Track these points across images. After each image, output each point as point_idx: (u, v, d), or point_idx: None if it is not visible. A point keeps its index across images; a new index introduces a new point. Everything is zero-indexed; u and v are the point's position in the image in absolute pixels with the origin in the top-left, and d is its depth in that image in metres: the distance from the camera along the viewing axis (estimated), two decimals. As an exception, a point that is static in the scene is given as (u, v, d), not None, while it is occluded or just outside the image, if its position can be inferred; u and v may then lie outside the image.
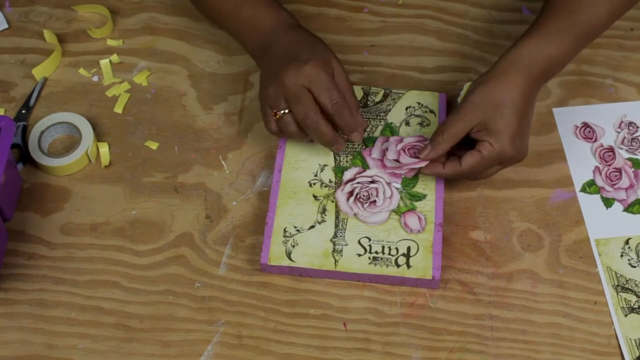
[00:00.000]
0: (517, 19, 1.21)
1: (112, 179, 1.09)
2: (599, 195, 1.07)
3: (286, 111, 1.00)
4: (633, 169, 1.08)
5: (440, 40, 1.20)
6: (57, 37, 1.19)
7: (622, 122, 1.12)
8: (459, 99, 1.04)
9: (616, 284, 1.01)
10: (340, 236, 1.02)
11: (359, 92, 1.12)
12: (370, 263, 1.00)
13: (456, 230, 1.04)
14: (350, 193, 1.04)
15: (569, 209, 1.06)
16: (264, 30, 1.05)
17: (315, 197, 1.04)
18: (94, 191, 1.08)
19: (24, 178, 1.08)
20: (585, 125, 1.12)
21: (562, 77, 1.16)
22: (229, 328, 0.99)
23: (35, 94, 1.15)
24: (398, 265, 1.00)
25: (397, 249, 1.01)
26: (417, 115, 1.10)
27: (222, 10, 1.08)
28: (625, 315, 0.99)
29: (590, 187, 1.07)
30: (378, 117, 1.10)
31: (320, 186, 1.05)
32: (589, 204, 1.06)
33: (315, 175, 1.06)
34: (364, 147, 1.07)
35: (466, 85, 1.04)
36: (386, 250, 1.01)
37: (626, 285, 1.01)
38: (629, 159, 1.09)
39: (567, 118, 1.13)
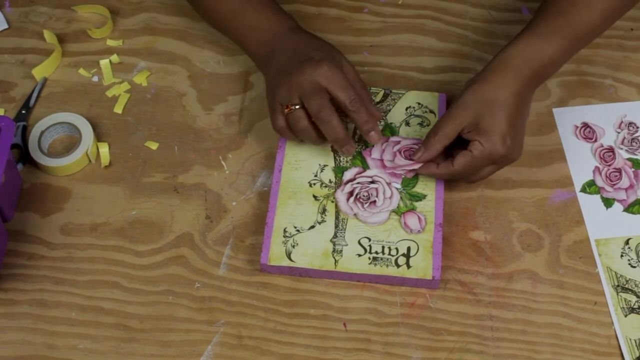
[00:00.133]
0: (517, 19, 1.21)
1: (112, 179, 1.09)
2: (599, 196, 1.07)
3: (297, 107, 1.00)
4: (633, 169, 1.08)
5: (440, 41, 1.20)
6: (57, 37, 1.19)
7: (622, 122, 1.12)
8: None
9: (616, 284, 1.01)
10: (340, 236, 1.02)
11: (359, 92, 1.12)
12: (370, 263, 1.00)
13: (456, 231, 1.04)
14: (350, 193, 1.04)
15: (569, 209, 1.06)
16: (266, 33, 1.05)
17: (315, 197, 1.04)
18: (94, 191, 1.08)
19: (24, 178, 1.08)
20: (585, 125, 1.12)
21: (562, 77, 1.16)
22: (229, 328, 0.99)
23: (35, 94, 1.15)
24: (398, 266, 1.00)
25: (397, 249, 1.01)
26: (417, 116, 1.10)
27: (222, 12, 1.08)
28: (625, 316, 0.99)
29: (590, 187, 1.07)
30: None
31: (320, 186, 1.05)
32: (589, 204, 1.06)
33: (315, 176, 1.06)
34: (363, 148, 1.07)
35: (466, 86, 1.05)
36: (386, 251, 1.01)
37: (626, 286, 1.01)
38: (629, 159, 1.09)
39: (567, 118, 1.13)
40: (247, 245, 1.04)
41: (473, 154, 0.98)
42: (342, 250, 1.01)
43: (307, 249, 1.01)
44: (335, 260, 1.00)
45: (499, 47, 1.02)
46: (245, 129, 1.12)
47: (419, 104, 1.11)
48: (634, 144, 1.10)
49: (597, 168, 1.09)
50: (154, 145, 1.11)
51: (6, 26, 1.22)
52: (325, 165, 1.07)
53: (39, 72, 1.16)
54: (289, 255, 1.00)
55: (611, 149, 1.10)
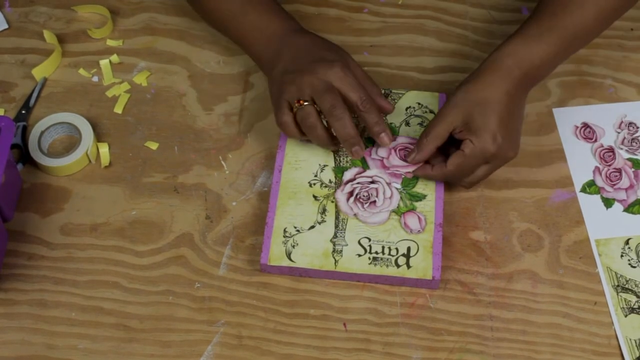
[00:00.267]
0: (517, 19, 1.21)
1: (112, 179, 1.09)
2: (599, 196, 1.07)
3: (307, 103, 1.00)
4: (633, 169, 1.08)
5: (440, 41, 1.20)
6: (57, 38, 1.19)
7: (622, 122, 1.12)
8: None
9: (616, 284, 1.01)
10: (340, 236, 1.02)
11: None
12: (370, 263, 1.00)
13: (456, 231, 1.04)
14: (350, 193, 1.04)
15: (569, 209, 1.06)
16: (270, 33, 1.05)
17: (315, 197, 1.04)
18: (94, 191, 1.08)
19: (24, 178, 1.08)
20: (585, 125, 1.12)
21: (562, 77, 1.16)
22: (229, 328, 0.99)
23: (35, 94, 1.15)
24: (398, 266, 1.00)
25: (397, 249, 1.01)
26: (417, 116, 1.10)
27: (223, 12, 1.08)
28: (626, 316, 0.99)
29: (590, 187, 1.07)
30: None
31: (320, 186, 1.05)
32: (589, 204, 1.06)
33: (315, 176, 1.06)
34: (365, 146, 1.07)
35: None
36: (386, 251, 1.01)
37: (626, 286, 1.01)
38: (629, 159, 1.09)
39: (567, 118, 1.13)
40: (247, 245, 1.04)
41: (465, 153, 0.98)
42: (342, 250, 1.01)
43: (307, 249, 1.01)
44: (335, 260, 1.00)
45: (498, 48, 1.03)
46: (245, 129, 1.12)
47: (419, 104, 1.11)
48: (634, 144, 1.10)
49: (597, 168, 1.09)
50: (154, 146, 1.11)
51: (6, 26, 1.22)
52: (325, 166, 1.07)
53: (39, 72, 1.16)
54: (289, 256, 1.00)
55: (611, 149, 1.10)
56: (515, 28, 1.04)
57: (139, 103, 1.15)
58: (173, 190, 1.08)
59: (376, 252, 1.01)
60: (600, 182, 1.08)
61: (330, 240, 1.02)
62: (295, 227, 1.02)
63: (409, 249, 1.01)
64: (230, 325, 0.99)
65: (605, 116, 1.13)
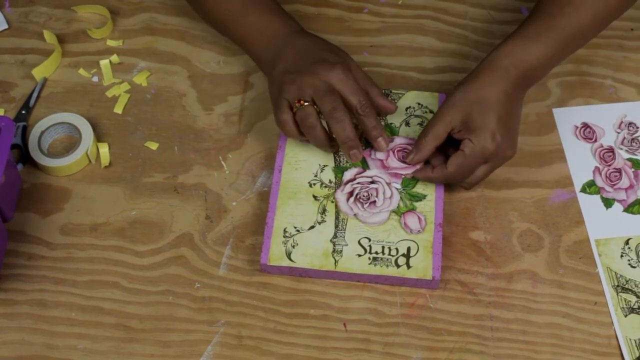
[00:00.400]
0: (517, 19, 1.21)
1: (112, 179, 1.09)
2: (599, 196, 1.07)
3: (307, 103, 1.00)
4: (633, 170, 1.08)
5: (440, 41, 1.20)
6: (57, 38, 1.19)
7: (622, 122, 1.12)
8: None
9: (616, 284, 1.01)
10: (340, 236, 1.02)
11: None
12: (370, 263, 1.00)
13: (456, 231, 1.04)
14: (350, 193, 1.04)
15: (569, 210, 1.06)
16: (271, 34, 1.05)
17: (315, 197, 1.04)
18: (94, 191, 1.08)
19: (24, 178, 1.08)
20: (585, 125, 1.12)
21: (562, 78, 1.16)
22: (229, 328, 0.99)
23: (35, 95, 1.15)
24: (398, 266, 1.00)
25: (397, 249, 1.01)
26: (417, 116, 1.10)
27: (223, 13, 1.09)
28: (625, 316, 0.99)
29: (590, 187, 1.07)
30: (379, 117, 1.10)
31: (320, 186, 1.05)
32: (589, 204, 1.06)
33: (315, 176, 1.06)
34: (364, 148, 1.07)
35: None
36: (386, 251, 1.01)
37: (626, 286, 1.01)
38: (629, 160, 1.09)
39: (567, 118, 1.13)
40: (247, 245, 1.04)
41: (465, 153, 0.99)
42: (342, 251, 1.01)
43: (307, 249, 1.01)
44: (335, 260, 1.00)
45: (498, 48, 1.03)
46: (245, 129, 1.12)
47: (418, 104, 1.11)
48: (634, 144, 1.10)
49: (597, 168, 1.09)
50: (154, 146, 1.11)
51: (6, 26, 1.22)
52: (325, 166, 1.07)
53: (39, 72, 1.16)
54: (289, 256, 1.00)
55: (611, 149, 1.10)
56: (515, 28, 1.04)
57: (139, 103, 1.15)
58: (173, 190, 1.08)
59: (376, 252, 1.01)
60: (600, 182, 1.08)
61: (330, 240, 1.02)
62: (295, 227, 1.02)
63: (409, 249, 1.01)
64: (230, 325, 0.99)
65: (605, 116, 1.13)
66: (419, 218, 1.03)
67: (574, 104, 1.14)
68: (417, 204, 1.04)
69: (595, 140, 1.11)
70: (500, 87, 0.99)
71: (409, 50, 1.19)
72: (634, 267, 1.02)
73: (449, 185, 1.06)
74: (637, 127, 1.12)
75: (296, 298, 1.00)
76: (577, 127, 1.12)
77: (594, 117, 1.13)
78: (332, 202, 1.04)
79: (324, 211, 1.04)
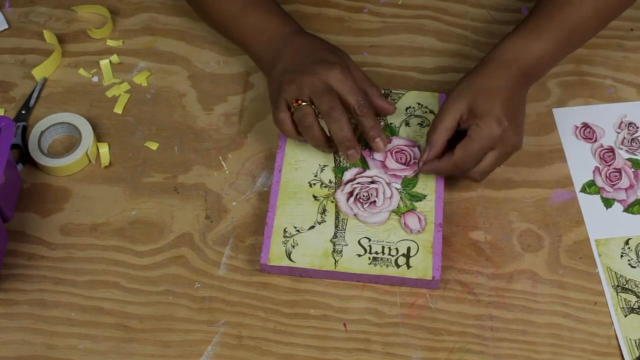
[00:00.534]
0: (517, 19, 1.21)
1: (112, 179, 1.09)
2: (599, 196, 1.07)
3: (305, 103, 1.00)
4: (633, 170, 1.08)
5: (440, 41, 1.20)
6: (57, 38, 1.19)
7: (622, 122, 1.12)
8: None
9: (616, 284, 1.01)
10: (340, 236, 1.02)
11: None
12: (370, 263, 1.00)
13: (456, 231, 1.04)
14: (350, 193, 1.04)
15: (569, 210, 1.06)
16: (272, 34, 1.05)
17: (315, 197, 1.04)
18: (94, 191, 1.08)
19: (24, 178, 1.08)
20: (585, 125, 1.12)
21: (562, 78, 1.16)
22: (229, 328, 0.99)
23: (35, 95, 1.15)
24: (398, 266, 1.00)
25: (397, 249, 1.01)
26: (417, 116, 1.10)
27: (223, 13, 1.09)
28: (625, 316, 0.99)
29: (590, 187, 1.07)
30: (378, 118, 1.10)
31: (320, 186, 1.05)
32: (589, 204, 1.06)
33: (315, 176, 1.06)
34: (363, 148, 1.07)
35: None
36: (386, 251, 1.01)
37: (626, 286, 1.01)
38: (629, 160, 1.09)
39: (567, 118, 1.13)
40: (247, 245, 1.04)
41: (471, 137, 0.99)
42: (342, 251, 1.01)
43: (307, 249, 1.01)
44: (335, 260, 1.00)
45: (499, 48, 1.03)
46: (245, 129, 1.12)
47: (418, 104, 1.11)
48: (634, 144, 1.10)
49: (597, 168, 1.09)
50: (154, 146, 1.11)
51: (6, 26, 1.22)
52: (325, 166, 1.07)
53: (39, 72, 1.16)
54: (289, 256, 1.00)
55: (611, 149, 1.10)
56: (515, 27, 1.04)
57: (139, 103, 1.15)
58: (173, 190, 1.08)
59: (376, 252, 1.01)
60: (600, 182, 1.08)
61: (330, 240, 1.02)
62: (295, 227, 1.02)
63: (409, 249, 1.01)
64: (230, 325, 0.99)
65: (605, 116, 1.13)
66: (419, 218, 1.03)
67: (574, 104, 1.14)
68: (417, 204, 1.04)
69: (595, 140, 1.11)
70: (504, 78, 1.00)
71: (409, 50, 1.19)
72: (634, 267, 1.02)
73: (450, 184, 1.06)
74: (637, 127, 1.12)
75: (296, 298, 1.00)
76: (577, 127, 1.12)
77: (594, 117, 1.13)
78: (332, 202, 1.04)
79: (324, 211, 1.04)
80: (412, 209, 1.03)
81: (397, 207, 1.04)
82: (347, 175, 1.06)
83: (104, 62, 1.18)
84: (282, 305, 1.00)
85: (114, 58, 1.18)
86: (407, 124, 1.10)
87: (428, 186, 1.05)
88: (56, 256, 1.03)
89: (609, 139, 1.11)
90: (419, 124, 1.10)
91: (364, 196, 1.04)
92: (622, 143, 1.10)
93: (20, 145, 1.10)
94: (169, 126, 1.13)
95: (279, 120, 1.02)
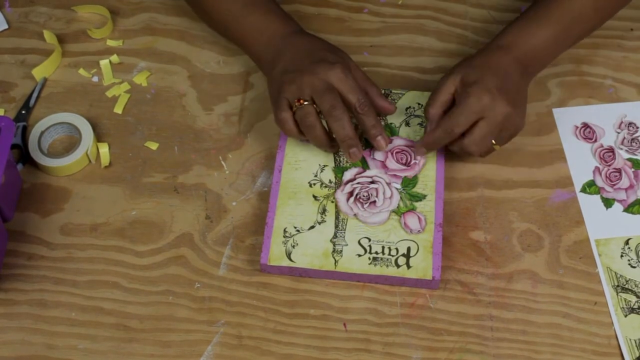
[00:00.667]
0: (517, 19, 1.21)
1: (112, 179, 1.09)
2: (599, 196, 1.07)
3: (307, 103, 1.00)
4: (633, 170, 1.08)
5: (440, 41, 1.20)
6: (57, 38, 1.19)
7: (622, 122, 1.12)
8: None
9: (616, 284, 1.01)
10: (340, 236, 1.02)
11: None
12: (370, 263, 1.00)
13: (456, 231, 1.04)
14: (350, 193, 1.04)
15: (569, 210, 1.06)
16: (272, 34, 1.06)
17: (315, 197, 1.04)
18: (94, 191, 1.08)
19: (24, 178, 1.08)
20: (585, 125, 1.12)
21: (562, 78, 1.16)
22: (229, 328, 0.99)
23: (35, 95, 1.15)
24: (398, 266, 1.00)
25: (397, 249, 1.01)
26: (417, 116, 1.10)
27: (223, 14, 1.09)
28: (625, 316, 0.99)
29: (590, 187, 1.07)
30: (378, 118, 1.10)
31: (320, 186, 1.05)
32: (589, 204, 1.06)
33: (315, 176, 1.06)
34: (364, 147, 1.07)
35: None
36: (386, 251, 1.01)
37: (626, 286, 1.01)
38: (629, 160, 1.09)
39: (567, 118, 1.13)
40: (247, 245, 1.04)
41: (458, 103, 1.00)
42: (342, 251, 1.01)
43: (307, 249, 1.01)
44: (335, 260, 1.00)
45: (499, 47, 1.03)
46: (245, 129, 1.12)
47: (419, 104, 1.11)
48: (634, 144, 1.10)
49: (597, 168, 1.09)
50: (154, 146, 1.11)
51: (6, 26, 1.22)
52: (325, 166, 1.07)
53: (39, 72, 1.16)
54: (289, 256, 1.00)
55: (611, 149, 1.10)
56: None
57: (139, 103, 1.15)
58: (173, 190, 1.08)
59: (376, 252, 1.01)
60: (600, 182, 1.08)
61: (330, 240, 1.02)
62: (295, 227, 1.02)
63: (409, 249, 1.01)
64: (230, 325, 0.99)
65: (605, 116, 1.13)
66: (419, 218, 1.03)
67: (574, 104, 1.14)
68: (417, 204, 1.04)
69: (595, 140, 1.11)
70: (500, 59, 1.02)
71: (409, 50, 1.19)
72: (634, 267, 1.02)
73: (449, 185, 1.06)
74: (637, 127, 1.12)
75: (296, 298, 1.00)
76: (577, 127, 1.12)
77: (594, 117, 1.13)
78: (332, 202, 1.04)
79: (324, 211, 1.04)
80: (412, 209, 1.03)
81: (397, 207, 1.04)
82: (347, 175, 1.06)
83: (104, 62, 1.18)
84: (282, 305, 1.00)
85: (114, 58, 1.18)
86: (407, 124, 1.10)
87: (428, 186, 1.05)
88: (56, 256, 1.03)
89: (609, 139, 1.11)
90: (419, 124, 1.10)
91: (364, 196, 1.04)
92: (622, 143, 1.10)
93: (20, 145, 1.10)
94: (169, 126, 1.13)
95: (280, 120, 1.02)
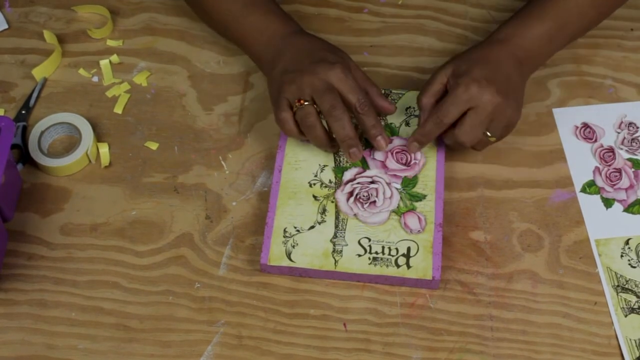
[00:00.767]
0: (517, 19, 1.21)
1: (112, 179, 1.09)
2: (599, 196, 1.07)
3: (307, 103, 1.00)
4: (633, 170, 1.08)
5: (440, 41, 1.20)
6: (57, 38, 1.19)
7: (622, 122, 1.12)
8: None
9: (616, 284, 1.01)
10: (340, 236, 1.02)
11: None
12: (370, 263, 1.00)
13: (456, 231, 1.04)
14: (350, 193, 1.04)
15: (569, 210, 1.06)
16: (272, 34, 1.06)
17: (315, 197, 1.04)
18: (93, 191, 1.08)
19: (24, 178, 1.08)
20: (585, 125, 1.12)
21: (562, 78, 1.16)
22: (229, 328, 0.99)
23: (35, 95, 1.15)
24: (398, 266, 1.00)
25: (397, 249, 1.01)
26: (417, 116, 1.10)
27: (223, 14, 1.09)
28: (626, 316, 0.99)
29: (590, 187, 1.07)
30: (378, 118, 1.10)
31: (320, 186, 1.05)
32: (589, 204, 1.06)
33: (315, 176, 1.06)
34: (363, 148, 1.07)
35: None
36: (386, 251, 1.01)
37: (626, 286, 1.01)
38: (629, 160, 1.09)
39: (567, 118, 1.13)
40: (247, 245, 1.04)
41: (448, 93, 1.00)
42: (342, 251, 1.01)
43: (307, 249, 1.01)
44: (335, 260, 1.00)
45: (499, 47, 1.04)
46: (245, 129, 1.12)
47: (419, 104, 1.11)
48: (634, 144, 1.10)
49: (597, 168, 1.09)
50: (154, 146, 1.11)
51: (6, 26, 1.22)
52: (325, 166, 1.07)
53: (39, 72, 1.16)
54: (289, 256, 1.00)
55: (611, 149, 1.10)
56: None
57: (139, 103, 1.15)
58: (173, 190, 1.08)
59: (376, 252, 1.01)
60: (600, 182, 1.08)
61: (330, 240, 1.02)
62: (295, 227, 1.02)
63: (409, 249, 1.01)
64: (230, 325, 0.99)
65: (605, 116, 1.13)
66: (419, 218, 1.03)
67: (574, 104, 1.14)
68: (417, 204, 1.04)
69: (595, 140, 1.11)
70: (494, 52, 1.03)
71: (409, 50, 1.19)
72: (634, 267, 1.02)
73: (449, 185, 1.06)
74: (637, 127, 1.12)
75: (296, 298, 1.00)
76: (577, 127, 1.12)
77: (594, 117, 1.13)
78: (332, 202, 1.04)
79: (324, 211, 1.04)
80: (412, 209, 1.03)
81: (397, 207, 1.04)
82: (347, 175, 1.06)
83: (104, 62, 1.18)
84: (282, 305, 1.00)
85: (114, 58, 1.18)
86: (407, 124, 1.10)
87: (428, 186, 1.05)
88: (56, 256, 1.03)
89: (609, 139, 1.11)
90: (419, 124, 1.09)
91: (364, 196, 1.04)
92: (622, 143, 1.10)
93: (20, 145, 1.10)
94: (169, 126, 1.13)
95: (281, 120, 1.02)
